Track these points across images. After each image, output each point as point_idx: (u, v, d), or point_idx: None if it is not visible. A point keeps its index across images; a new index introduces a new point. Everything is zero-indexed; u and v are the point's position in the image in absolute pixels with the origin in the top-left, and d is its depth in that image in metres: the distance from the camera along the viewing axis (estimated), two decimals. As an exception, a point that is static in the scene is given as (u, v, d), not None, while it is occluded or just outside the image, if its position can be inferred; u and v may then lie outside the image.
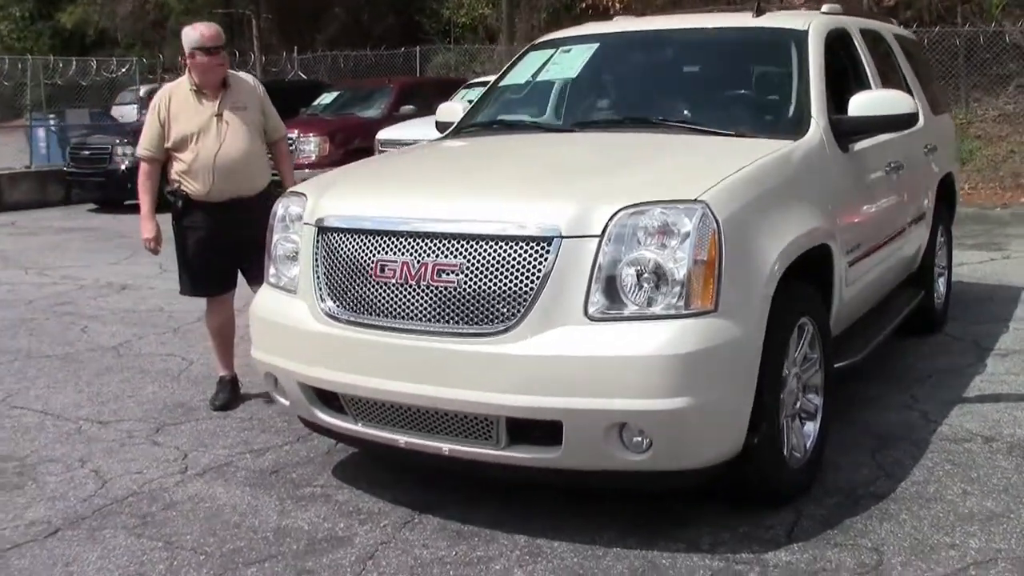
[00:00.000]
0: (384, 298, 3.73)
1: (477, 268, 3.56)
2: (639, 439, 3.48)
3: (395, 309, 3.70)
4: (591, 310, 3.47)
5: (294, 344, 4.03)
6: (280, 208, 4.35)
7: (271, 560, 3.72)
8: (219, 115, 5.37)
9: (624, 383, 3.41)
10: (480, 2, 24.50)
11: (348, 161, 13.80)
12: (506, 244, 3.54)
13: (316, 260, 3.97)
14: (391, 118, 14.17)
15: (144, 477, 4.57)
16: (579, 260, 3.48)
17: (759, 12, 5.10)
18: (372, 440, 3.98)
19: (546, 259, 3.49)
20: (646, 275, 3.48)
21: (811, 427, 4.18)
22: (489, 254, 3.55)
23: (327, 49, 24.14)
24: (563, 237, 3.48)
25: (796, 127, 4.41)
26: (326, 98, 15.95)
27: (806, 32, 4.88)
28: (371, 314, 3.77)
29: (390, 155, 5.13)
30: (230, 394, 5.62)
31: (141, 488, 4.44)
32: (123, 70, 22.89)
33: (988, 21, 15.91)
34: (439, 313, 3.62)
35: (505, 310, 3.52)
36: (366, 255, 3.80)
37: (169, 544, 3.89)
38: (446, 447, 3.75)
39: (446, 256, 3.61)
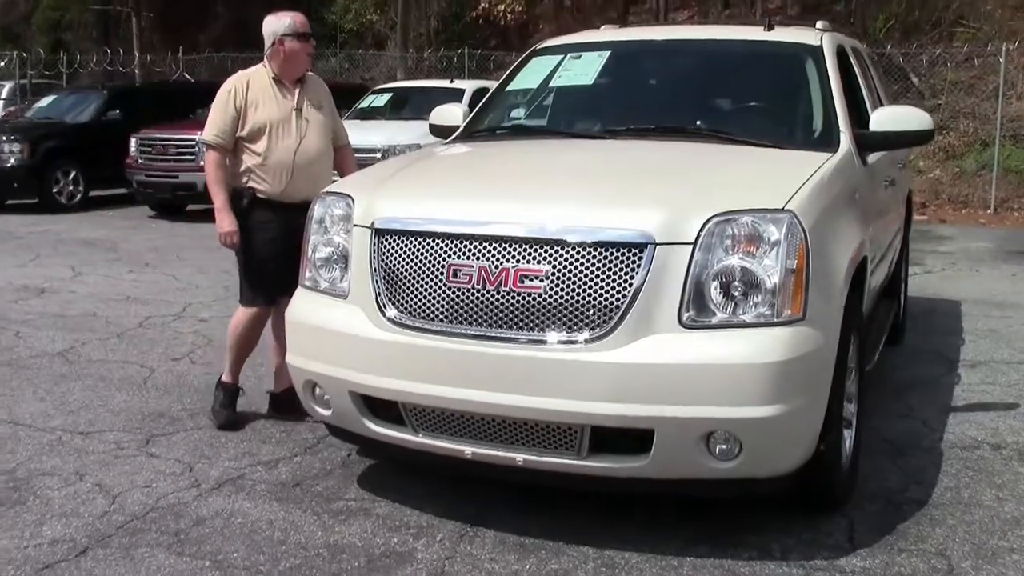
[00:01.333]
0: (457, 304, 3.60)
1: (566, 274, 3.47)
2: (726, 447, 3.46)
3: (470, 315, 3.58)
4: (684, 318, 3.43)
5: (346, 351, 3.85)
6: (318, 209, 4.15)
7: (339, 578, 3.55)
8: (299, 110, 5.09)
9: (721, 391, 3.38)
10: (367, 8, 24.21)
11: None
12: (598, 251, 3.46)
13: (374, 264, 3.80)
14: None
15: (156, 491, 4.29)
16: (672, 267, 3.44)
17: (770, 27, 5.17)
18: (431, 452, 3.82)
19: (639, 266, 3.43)
20: (735, 283, 3.46)
21: (847, 434, 4.24)
22: (579, 260, 3.47)
23: (213, 50, 23.39)
24: (656, 244, 3.43)
25: (828, 140, 4.48)
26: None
27: (821, 48, 4.97)
28: (442, 320, 3.63)
29: (424, 156, 4.92)
30: (233, 407, 5.29)
31: (158, 503, 4.16)
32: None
33: (871, 43, 16.59)
34: (522, 320, 3.51)
35: (597, 317, 3.44)
36: (435, 259, 3.66)
37: (218, 563, 3.65)
38: (520, 457, 3.64)
39: (530, 262, 3.51)
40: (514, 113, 5.34)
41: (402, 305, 3.71)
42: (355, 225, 3.93)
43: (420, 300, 3.67)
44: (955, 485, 4.39)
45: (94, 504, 4.16)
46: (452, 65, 20.36)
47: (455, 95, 14.19)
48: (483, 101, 5.39)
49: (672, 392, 3.39)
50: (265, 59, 5.16)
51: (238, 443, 4.90)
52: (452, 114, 5.37)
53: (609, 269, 3.45)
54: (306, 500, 4.21)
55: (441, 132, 5.42)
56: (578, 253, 3.47)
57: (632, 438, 3.49)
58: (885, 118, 4.63)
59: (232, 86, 5.05)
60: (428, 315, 3.65)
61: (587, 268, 3.46)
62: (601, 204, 3.65)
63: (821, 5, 23.87)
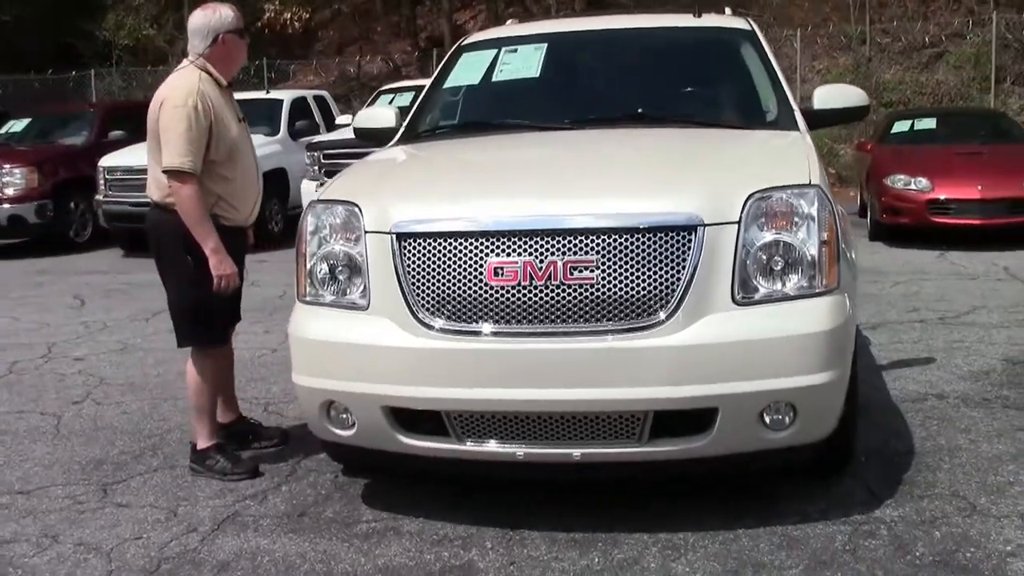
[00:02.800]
0: (503, 302, 3.52)
1: (619, 262, 3.46)
2: (780, 416, 3.56)
3: (519, 313, 3.51)
4: (736, 295, 3.50)
5: (377, 364, 3.67)
6: (311, 220, 3.94)
7: (417, 598, 3.40)
8: (243, 120, 4.62)
9: (781, 362, 3.48)
10: (142, 23, 23.01)
11: (58, 193, 12.97)
12: (649, 236, 3.47)
13: (400, 270, 3.65)
14: (99, 145, 13.03)
15: (153, 542, 3.94)
16: (722, 247, 3.50)
17: (698, 14, 5.33)
18: (478, 459, 3.72)
19: (691, 248, 3.47)
20: (777, 258, 3.57)
21: None
22: (631, 247, 3.47)
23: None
24: (706, 225, 3.49)
25: (788, 119, 4.67)
26: (15, 126, 14.29)
27: (754, 31, 5.19)
28: (488, 320, 3.54)
29: (409, 157, 4.70)
30: (238, 453, 4.83)
31: (163, 554, 3.83)
32: None
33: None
34: (577, 312, 3.47)
35: (654, 302, 3.46)
36: (472, 259, 3.56)
37: (276, 603, 3.42)
38: (577, 452, 3.61)
39: (577, 253, 3.48)
40: (464, 108, 5.25)
41: (440, 310, 3.58)
42: (368, 232, 3.75)
43: (460, 303, 3.56)
44: (928, 434, 4.69)
45: (89, 565, 3.77)
46: (250, 77, 19.72)
47: (273, 105, 13.84)
48: (419, 100, 5.26)
49: (735, 369, 3.46)
50: (202, 60, 4.52)
51: (208, 480, 4.57)
52: (383, 116, 5.23)
53: (662, 253, 3.47)
54: (324, 528, 3.99)
55: (370, 135, 5.27)
56: (628, 240, 3.47)
57: (692, 419, 3.53)
58: (828, 96, 4.86)
59: (193, 99, 4.32)
60: (471, 317, 3.55)
61: (640, 254, 3.46)
62: (643, 190, 3.67)
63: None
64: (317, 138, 12.94)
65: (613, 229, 3.48)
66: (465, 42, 5.59)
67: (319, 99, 15.78)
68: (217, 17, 4.52)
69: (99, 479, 4.66)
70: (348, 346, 3.73)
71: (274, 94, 14.82)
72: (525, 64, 5.08)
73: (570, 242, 3.49)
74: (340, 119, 14.30)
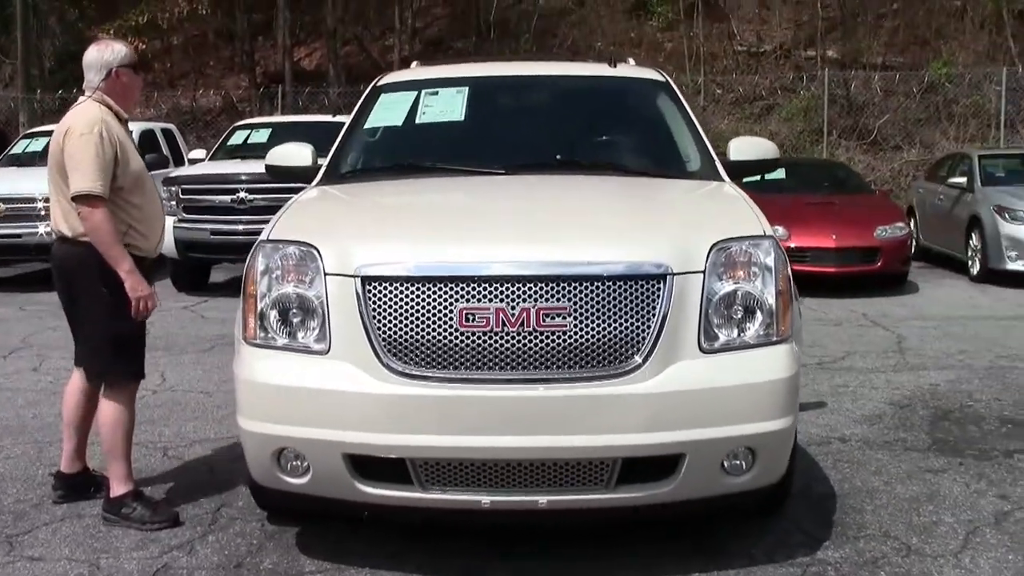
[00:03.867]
0: (475, 348, 3.48)
1: (591, 309, 3.48)
2: (739, 462, 3.65)
3: (491, 359, 3.47)
4: (703, 343, 3.58)
5: (339, 410, 3.55)
6: (261, 260, 3.82)
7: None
8: (141, 152, 4.57)
9: (745, 409, 3.58)
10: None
11: None
12: (620, 284, 3.51)
13: (364, 315, 3.56)
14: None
15: (82, 597, 3.71)
16: (689, 295, 3.57)
17: (613, 63, 5.46)
18: (439, 508, 3.65)
19: (661, 296, 3.53)
20: (737, 306, 3.67)
21: None
22: (603, 295, 3.49)
23: None
24: (674, 274, 3.55)
25: (711, 169, 4.82)
26: None
27: (669, 83, 5.34)
28: (458, 367, 3.49)
29: (353, 199, 4.56)
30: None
31: (98, 610, 3.61)
32: None
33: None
34: (550, 359, 3.47)
35: (627, 349, 3.49)
36: (442, 304, 3.50)
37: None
38: (543, 499, 3.59)
39: (549, 300, 3.48)
40: (392, 150, 5.18)
41: (408, 355, 3.51)
42: (329, 274, 3.65)
43: (430, 348, 3.50)
44: (843, 477, 4.89)
45: (23, 623, 3.53)
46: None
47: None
48: (340, 139, 5.17)
49: (702, 415, 3.53)
50: (99, 94, 4.48)
51: (124, 530, 4.32)
52: (299, 155, 5.09)
53: (634, 301, 3.51)
54: (270, 582, 3.84)
55: (283, 174, 5.15)
56: (601, 288, 3.50)
57: (658, 465, 3.58)
58: (742, 147, 5.03)
59: (98, 127, 4.31)
60: (441, 362, 3.49)
61: (613, 301, 3.50)
62: (614, 239, 3.70)
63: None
64: (174, 172, 12.50)
65: (586, 276, 3.50)
66: (382, 82, 5.52)
67: (167, 132, 15.31)
68: (110, 52, 4.51)
69: (0, 530, 4.34)
70: (307, 391, 3.61)
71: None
72: (448, 107, 5.07)
73: (542, 288, 3.49)
74: (193, 154, 13.90)
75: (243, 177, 11.29)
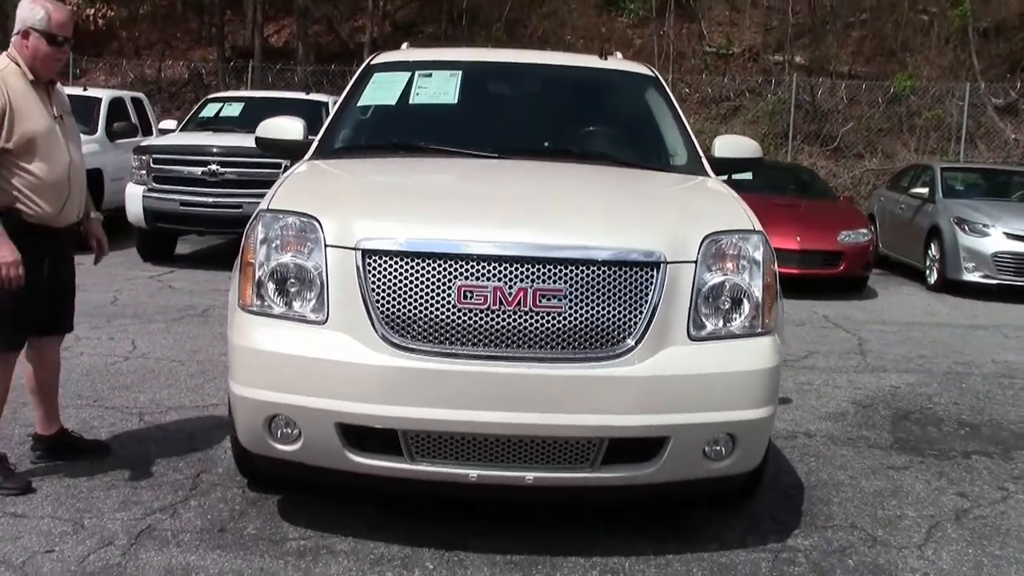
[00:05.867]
0: (471, 325, 3.56)
1: (587, 293, 3.57)
2: (719, 447, 3.76)
3: (487, 336, 3.56)
4: (691, 331, 3.69)
5: (334, 380, 3.61)
6: (261, 230, 3.85)
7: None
8: (59, 117, 4.43)
9: (730, 396, 3.69)
10: None
11: None
12: (616, 270, 3.61)
13: (364, 287, 3.63)
14: None
15: (67, 556, 3.71)
16: (681, 284, 3.67)
17: (604, 56, 5.55)
18: (428, 480, 3.72)
19: (654, 283, 3.63)
20: (725, 298, 3.78)
21: None
22: (598, 279, 3.59)
23: None
24: (668, 262, 3.65)
25: (697, 164, 4.94)
26: None
27: (657, 78, 5.45)
28: (454, 343, 3.57)
29: (353, 174, 4.53)
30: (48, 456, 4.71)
31: (84, 569, 3.62)
32: None
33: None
34: (544, 339, 3.56)
35: (620, 333, 3.59)
36: (442, 280, 3.58)
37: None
38: (530, 476, 3.68)
39: (546, 281, 3.57)
40: (386, 128, 5.22)
41: (405, 328, 3.58)
42: (330, 246, 3.71)
43: (427, 322, 3.57)
44: (810, 470, 5.03)
45: (6, 577, 3.56)
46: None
47: (89, 103, 13.22)
48: (332, 115, 5.20)
49: (688, 401, 3.64)
50: (12, 49, 4.33)
51: (104, 492, 4.35)
52: (291, 128, 5.11)
53: (628, 287, 3.61)
54: (250, 545, 3.88)
55: (274, 147, 5.16)
56: (597, 272, 3.59)
57: (643, 447, 3.68)
58: (726, 145, 5.15)
59: None
60: (438, 337, 3.57)
61: (607, 286, 3.59)
62: (611, 226, 3.79)
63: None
64: (145, 141, 12.41)
65: (583, 261, 3.59)
66: (375, 61, 5.57)
67: (136, 101, 15.16)
68: (31, 12, 4.32)
69: (-21, 487, 4.35)
70: (302, 359, 3.66)
71: (92, 92, 14.09)
72: (442, 89, 5.13)
73: (539, 270, 3.57)
74: (163, 124, 13.81)
75: (215, 149, 11.25)
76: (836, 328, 9.33)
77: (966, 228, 11.96)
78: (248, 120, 11.12)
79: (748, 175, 13.06)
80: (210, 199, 11.02)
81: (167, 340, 7.46)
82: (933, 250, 12.42)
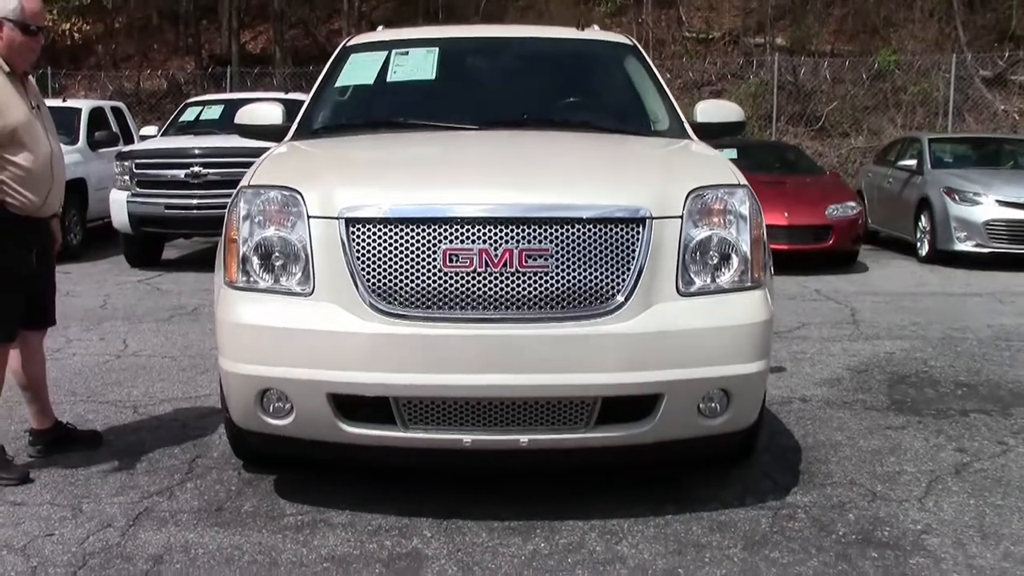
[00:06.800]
0: (458, 289, 3.54)
1: (573, 251, 3.55)
2: (714, 404, 3.74)
3: (474, 299, 3.53)
4: (680, 286, 3.67)
5: (324, 350, 3.60)
6: (243, 206, 3.82)
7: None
8: (36, 108, 4.40)
9: (722, 351, 3.67)
10: None
11: None
12: (601, 227, 3.59)
13: (349, 255, 3.60)
14: None
15: (68, 538, 3.69)
16: (667, 240, 3.66)
17: (581, 27, 5.54)
18: (421, 447, 3.71)
19: (640, 240, 3.61)
20: (712, 252, 3.76)
21: None
22: (584, 237, 3.57)
23: None
24: (653, 218, 3.64)
25: (679, 129, 4.93)
26: None
27: (635, 46, 5.44)
28: (442, 307, 3.55)
29: (332, 149, 4.52)
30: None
31: (85, 550, 3.59)
32: None
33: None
34: (532, 299, 3.54)
35: (608, 291, 3.57)
36: (426, 246, 3.56)
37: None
38: (525, 438, 3.66)
39: (532, 242, 3.55)
40: (365, 106, 5.20)
41: (392, 295, 3.56)
42: (312, 217, 3.69)
43: (414, 288, 3.55)
44: (807, 432, 5.02)
45: (6, 563, 3.51)
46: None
47: (69, 114, 13.20)
48: (310, 97, 5.19)
49: (680, 357, 3.62)
50: None
51: (102, 479, 4.33)
52: (270, 113, 5.09)
53: (615, 244, 3.59)
54: (248, 522, 3.86)
55: (255, 132, 5.14)
56: (582, 230, 3.57)
57: (636, 405, 3.66)
58: (709, 110, 5.15)
59: None
60: (425, 302, 3.55)
61: (593, 244, 3.57)
62: (594, 184, 3.78)
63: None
64: (128, 148, 12.39)
65: (568, 220, 3.57)
66: (351, 43, 5.54)
67: (116, 110, 15.14)
68: (3, 3, 4.25)
69: (-25, 480, 4.32)
70: (291, 331, 3.64)
71: (71, 103, 14.08)
72: (420, 66, 5.11)
73: (524, 231, 3.55)
74: (144, 130, 13.82)
75: (196, 152, 11.24)
76: (827, 300, 9.33)
77: (956, 198, 11.96)
78: (228, 122, 11.03)
79: (733, 153, 13.19)
80: (194, 200, 11.01)
81: (158, 338, 7.43)
82: (923, 222, 12.42)
